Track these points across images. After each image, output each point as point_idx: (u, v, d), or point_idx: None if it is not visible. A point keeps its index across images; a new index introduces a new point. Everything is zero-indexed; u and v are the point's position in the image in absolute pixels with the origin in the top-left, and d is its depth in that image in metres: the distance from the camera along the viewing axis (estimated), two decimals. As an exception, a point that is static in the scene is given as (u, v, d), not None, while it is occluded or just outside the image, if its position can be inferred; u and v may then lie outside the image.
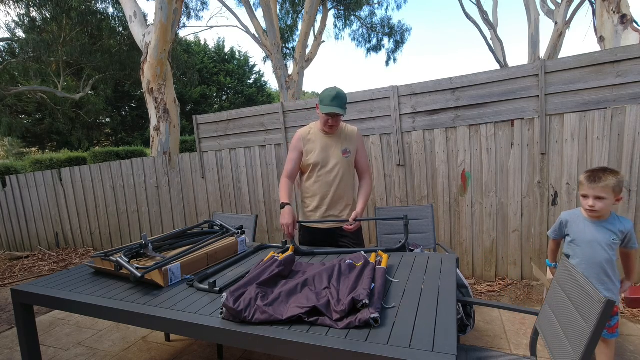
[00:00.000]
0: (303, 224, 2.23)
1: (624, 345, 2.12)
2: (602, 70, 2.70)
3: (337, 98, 2.00)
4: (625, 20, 4.09)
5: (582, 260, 1.71)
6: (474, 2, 11.29)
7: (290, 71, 10.19)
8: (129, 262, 1.67)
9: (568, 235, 1.80)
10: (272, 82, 25.37)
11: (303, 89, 10.21)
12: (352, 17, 14.12)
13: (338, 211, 2.17)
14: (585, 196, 1.68)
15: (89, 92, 13.03)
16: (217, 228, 2.25)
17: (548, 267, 1.99)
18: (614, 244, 1.66)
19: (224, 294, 1.34)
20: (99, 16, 10.99)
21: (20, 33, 11.66)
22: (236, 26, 19.92)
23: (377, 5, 13.96)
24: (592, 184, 1.64)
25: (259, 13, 12.51)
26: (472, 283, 3.19)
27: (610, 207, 1.64)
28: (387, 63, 14.91)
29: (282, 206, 2.00)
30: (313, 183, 2.16)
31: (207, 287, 1.55)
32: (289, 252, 1.74)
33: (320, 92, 2.09)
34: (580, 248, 1.72)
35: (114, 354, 2.41)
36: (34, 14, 10.91)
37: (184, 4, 5.65)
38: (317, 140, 2.14)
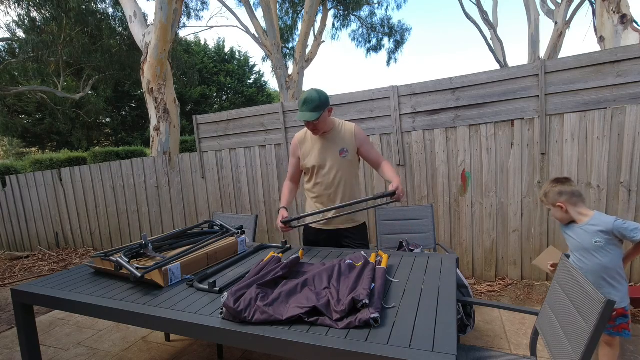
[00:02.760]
0: (309, 225, 2.20)
1: (624, 345, 2.12)
2: (602, 70, 2.70)
3: (306, 103, 1.93)
4: (625, 20, 4.10)
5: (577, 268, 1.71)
6: (474, 2, 11.29)
7: (290, 71, 10.19)
8: (129, 262, 1.68)
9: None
10: (272, 82, 25.32)
11: (303, 89, 10.20)
12: (352, 17, 14.10)
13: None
14: None
15: (89, 92, 13.03)
16: (217, 228, 2.25)
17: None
18: (600, 246, 1.64)
19: (225, 294, 1.34)
20: (98, 16, 10.99)
21: (20, 33, 11.66)
22: (236, 26, 19.85)
23: (377, 5, 13.96)
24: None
25: (259, 13, 12.47)
26: (472, 283, 3.19)
27: (564, 213, 1.73)
28: (387, 63, 14.92)
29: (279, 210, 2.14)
30: (314, 185, 2.15)
31: (207, 287, 1.55)
32: (296, 256, 1.71)
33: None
34: (574, 255, 1.75)
35: (114, 354, 2.41)
36: (34, 14, 10.90)
37: (184, 4, 5.65)
38: (314, 142, 2.12)
